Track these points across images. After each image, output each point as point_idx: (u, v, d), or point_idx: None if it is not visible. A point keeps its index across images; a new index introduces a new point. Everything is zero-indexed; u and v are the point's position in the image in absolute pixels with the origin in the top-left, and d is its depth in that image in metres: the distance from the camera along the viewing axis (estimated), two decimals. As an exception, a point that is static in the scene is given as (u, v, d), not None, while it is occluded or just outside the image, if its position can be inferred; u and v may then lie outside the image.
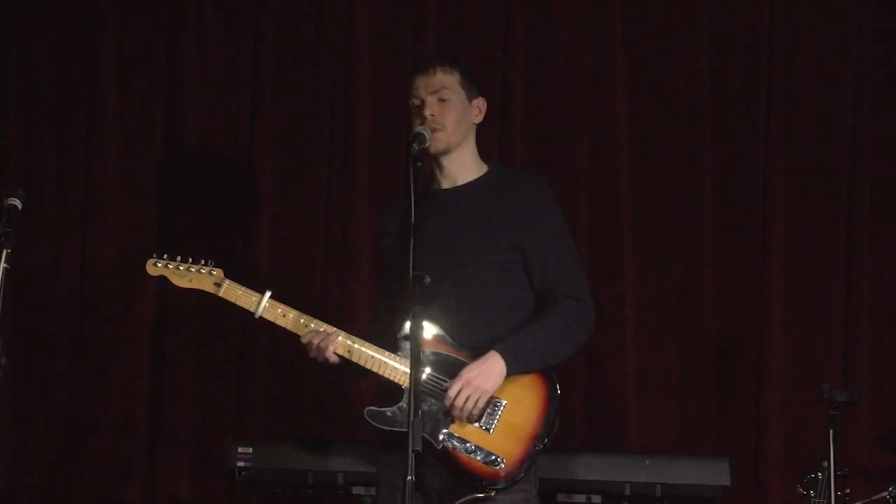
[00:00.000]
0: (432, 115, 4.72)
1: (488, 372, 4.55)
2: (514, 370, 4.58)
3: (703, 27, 6.56)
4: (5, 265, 4.36)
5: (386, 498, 4.68)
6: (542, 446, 4.61)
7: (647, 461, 5.64)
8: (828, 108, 6.52)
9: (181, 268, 4.80)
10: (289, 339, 6.39)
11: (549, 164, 6.52)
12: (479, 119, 4.83)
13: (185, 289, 4.81)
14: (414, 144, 4.56)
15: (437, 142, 4.71)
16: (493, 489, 4.58)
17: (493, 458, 4.57)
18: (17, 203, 4.56)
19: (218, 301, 6.41)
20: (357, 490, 5.68)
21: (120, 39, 6.59)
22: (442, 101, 4.73)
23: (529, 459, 4.60)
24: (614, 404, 6.43)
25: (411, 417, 4.15)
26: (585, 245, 6.46)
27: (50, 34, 6.61)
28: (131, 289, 6.49)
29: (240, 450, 5.64)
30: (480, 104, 4.82)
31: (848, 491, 5.40)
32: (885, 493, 5.57)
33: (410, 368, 4.27)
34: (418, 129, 4.63)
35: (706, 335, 6.48)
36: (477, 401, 4.55)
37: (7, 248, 4.38)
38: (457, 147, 4.77)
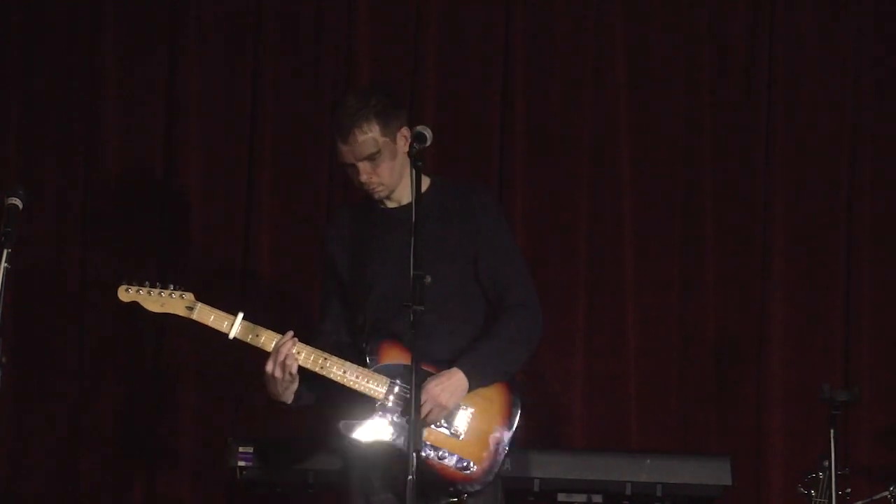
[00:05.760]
0: (368, 177, 4.77)
1: (450, 387, 4.69)
2: (475, 385, 4.73)
3: (704, 27, 6.56)
4: (6, 265, 4.35)
5: (356, 482, 4.81)
6: (507, 448, 4.76)
7: (648, 461, 5.65)
8: (829, 107, 6.52)
9: (153, 293, 4.84)
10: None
11: (549, 165, 6.52)
12: (408, 146, 4.73)
13: (158, 313, 4.84)
14: (414, 144, 4.54)
15: (378, 194, 4.81)
16: (465, 492, 4.73)
17: (465, 462, 4.72)
18: (18, 202, 4.56)
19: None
20: (358, 490, 5.67)
21: (120, 42, 6.58)
22: (371, 160, 4.76)
23: (497, 462, 4.75)
24: (615, 404, 6.42)
25: (412, 417, 4.24)
26: (585, 245, 6.46)
27: (50, 35, 6.60)
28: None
29: (240, 450, 5.64)
30: (405, 132, 4.80)
31: (849, 490, 5.40)
32: (886, 493, 5.56)
33: (412, 368, 4.30)
34: (419, 128, 4.57)
35: (706, 335, 6.47)
36: (438, 414, 4.67)
37: (8, 248, 4.37)
38: (399, 183, 4.83)
